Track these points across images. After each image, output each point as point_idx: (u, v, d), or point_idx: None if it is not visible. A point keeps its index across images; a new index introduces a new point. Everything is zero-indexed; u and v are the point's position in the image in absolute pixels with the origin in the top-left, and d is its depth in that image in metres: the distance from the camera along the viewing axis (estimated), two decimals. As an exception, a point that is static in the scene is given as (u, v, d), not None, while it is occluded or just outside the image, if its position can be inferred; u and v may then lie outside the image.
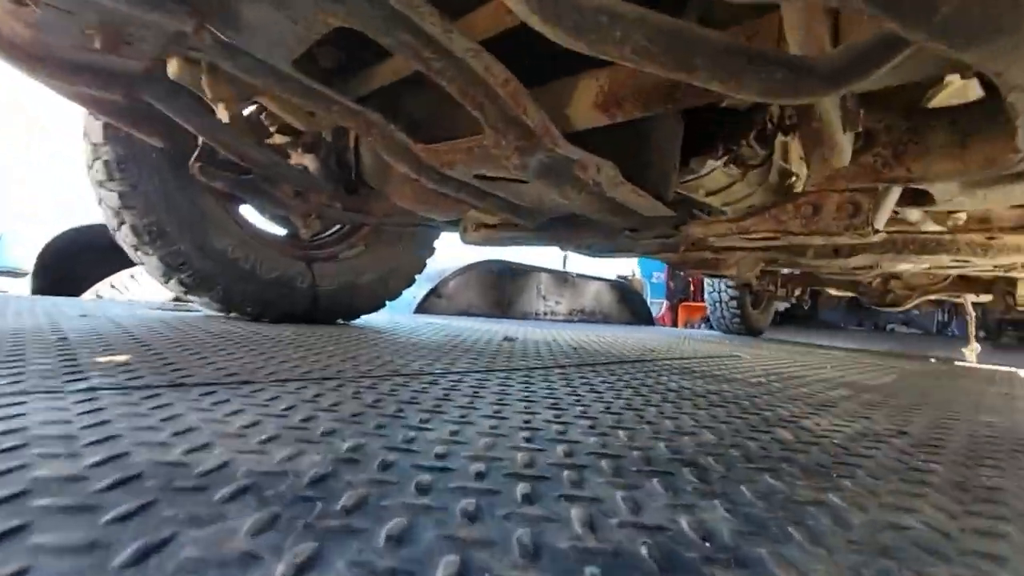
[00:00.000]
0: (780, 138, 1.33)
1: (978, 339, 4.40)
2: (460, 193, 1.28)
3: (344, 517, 0.40)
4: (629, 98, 0.97)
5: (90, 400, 0.66)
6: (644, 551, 0.38)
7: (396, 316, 3.02)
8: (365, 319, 2.43)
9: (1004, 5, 0.38)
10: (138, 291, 3.73)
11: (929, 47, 0.41)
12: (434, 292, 3.91)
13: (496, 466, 0.55)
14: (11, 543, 0.33)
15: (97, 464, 0.45)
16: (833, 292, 4.67)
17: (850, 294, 4.44)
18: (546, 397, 0.94)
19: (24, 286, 3.39)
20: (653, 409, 0.91)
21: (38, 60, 0.96)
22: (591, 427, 0.75)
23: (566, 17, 0.52)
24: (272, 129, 1.54)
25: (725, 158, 1.46)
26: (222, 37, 0.82)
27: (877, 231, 1.03)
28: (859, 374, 1.85)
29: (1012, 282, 3.77)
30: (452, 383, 1.00)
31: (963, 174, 0.84)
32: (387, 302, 2.43)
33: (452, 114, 1.10)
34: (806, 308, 5.37)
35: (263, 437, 0.57)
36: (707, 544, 0.41)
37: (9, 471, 0.42)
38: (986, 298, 3.96)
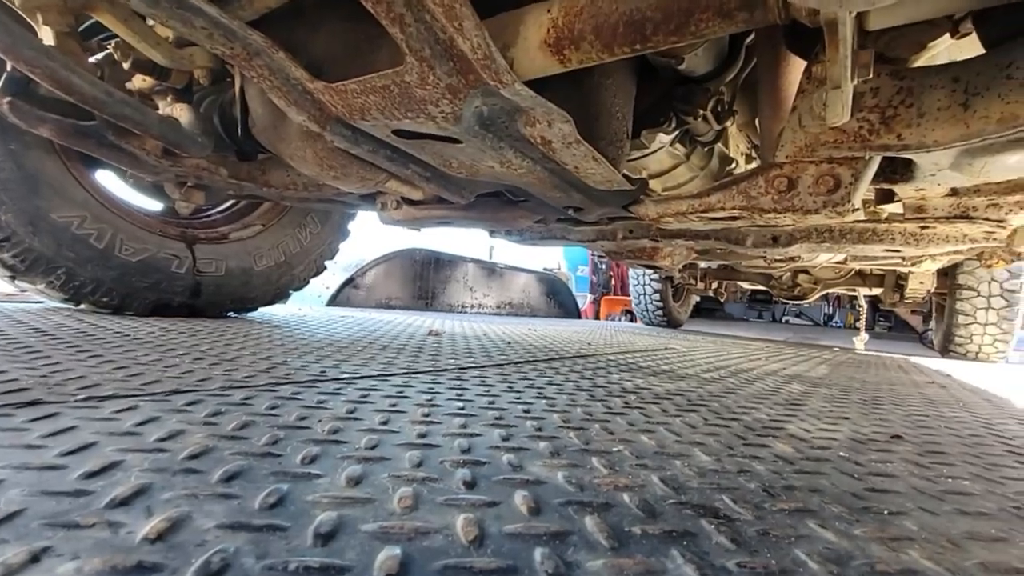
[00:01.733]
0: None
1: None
2: (376, 156, 1.03)
3: None
4: (588, 36, 0.77)
5: None
6: None
7: (304, 308, 2.67)
8: (263, 311, 2.09)
9: None
10: None
11: None
12: (350, 282, 3.56)
13: (425, 488, 0.33)
14: None
15: None
16: (745, 285, 4.89)
17: (759, 287, 4.64)
18: (486, 407, 0.72)
19: None
20: (621, 419, 0.73)
21: None
22: (552, 453, 0.55)
23: None
24: (126, 65, 1.18)
25: (676, 132, 1.32)
26: None
27: (856, 209, 0.92)
28: (794, 365, 1.81)
29: (904, 276, 4.09)
30: (362, 391, 0.76)
31: (967, 138, 0.73)
32: (291, 292, 2.09)
33: (366, 48, 0.85)
34: (721, 300, 5.57)
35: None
36: None
37: None
38: (877, 291, 4.30)
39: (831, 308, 11.81)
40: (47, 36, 1.02)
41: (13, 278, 1.47)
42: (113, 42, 1.18)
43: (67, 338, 1.03)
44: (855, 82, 0.69)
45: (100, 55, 1.20)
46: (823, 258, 2.29)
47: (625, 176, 1.07)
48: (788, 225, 1.57)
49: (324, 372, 0.90)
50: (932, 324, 5.01)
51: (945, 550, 0.39)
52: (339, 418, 0.60)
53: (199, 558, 0.29)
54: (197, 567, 0.28)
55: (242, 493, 0.38)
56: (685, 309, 5.57)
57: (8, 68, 1.07)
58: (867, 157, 0.86)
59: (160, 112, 1.28)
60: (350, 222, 2.26)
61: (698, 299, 6.21)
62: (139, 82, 1.30)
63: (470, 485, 0.43)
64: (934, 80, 0.77)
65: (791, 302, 5.02)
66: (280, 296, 2.04)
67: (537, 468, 0.49)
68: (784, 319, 12.33)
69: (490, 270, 4.66)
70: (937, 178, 0.94)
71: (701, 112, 1.19)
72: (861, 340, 4.63)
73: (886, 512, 0.46)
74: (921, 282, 3.98)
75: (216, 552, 0.29)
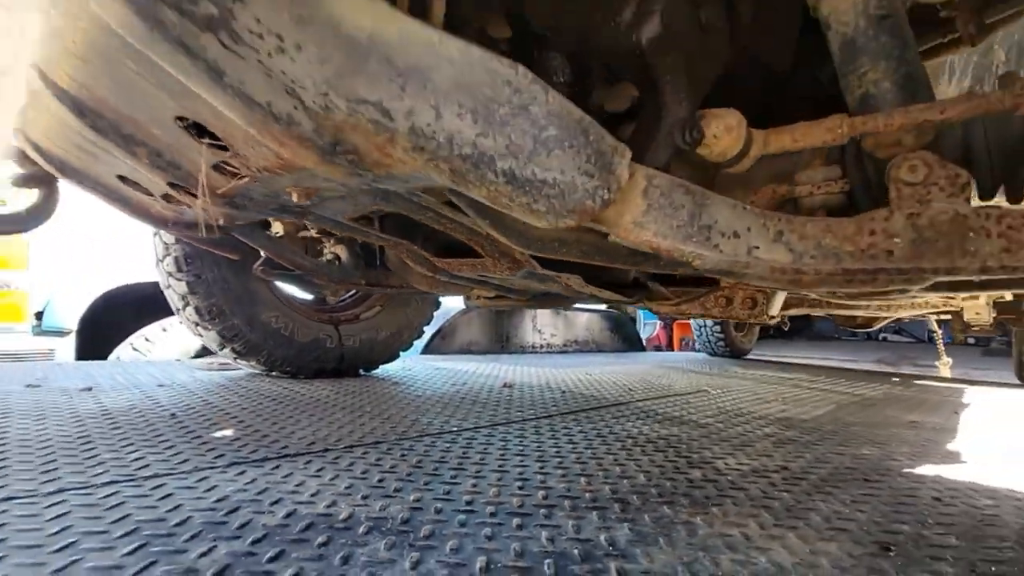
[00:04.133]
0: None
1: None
2: (466, 283, 1.67)
3: (424, 541, 0.77)
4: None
5: (233, 471, 1.04)
6: (576, 553, 0.76)
7: (407, 359, 3.39)
8: (383, 368, 2.81)
9: None
10: (167, 342, 4.08)
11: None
12: (439, 332, 4.29)
13: (501, 508, 0.92)
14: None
15: (290, 515, 0.83)
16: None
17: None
18: (535, 450, 1.31)
19: (69, 345, 3.75)
20: (610, 457, 1.29)
21: (164, 222, 1.35)
22: (563, 475, 1.13)
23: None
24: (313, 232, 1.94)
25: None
26: (312, 209, 1.22)
27: (772, 318, 1.42)
28: (798, 407, 2.23)
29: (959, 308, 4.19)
30: (467, 440, 1.38)
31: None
32: (401, 353, 2.81)
33: (459, 244, 1.49)
34: (785, 328, 5.71)
35: (363, 494, 0.95)
36: (611, 547, 0.78)
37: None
38: (945, 317, 4.38)
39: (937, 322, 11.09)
40: (278, 229, 1.78)
41: (236, 358, 2.27)
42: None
43: (292, 403, 1.75)
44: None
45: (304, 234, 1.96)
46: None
47: (630, 286, 1.62)
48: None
49: (442, 427, 1.53)
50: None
51: (718, 516, 0.93)
52: (458, 457, 1.22)
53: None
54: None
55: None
56: (749, 338, 5.76)
57: (262, 255, 1.84)
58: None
59: (328, 252, 2.04)
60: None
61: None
62: (313, 231, 2.06)
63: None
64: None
65: (854, 328, 5.11)
66: (394, 357, 2.77)
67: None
68: (881, 336, 11.73)
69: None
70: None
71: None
72: (944, 365, 4.67)
73: (711, 505, 0.99)
74: (977, 313, 4.07)
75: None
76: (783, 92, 1.04)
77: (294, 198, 0.86)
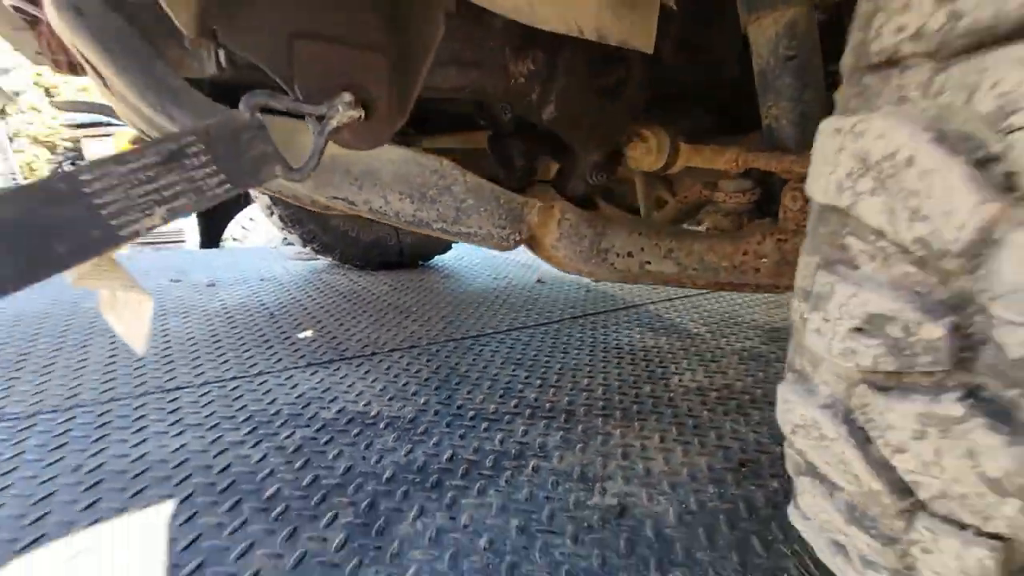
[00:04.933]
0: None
1: None
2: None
3: (419, 436, 1.21)
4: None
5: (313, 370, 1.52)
6: (513, 452, 1.16)
7: (459, 248, 3.79)
8: (437, 259, 3.24)
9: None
10: (259, 230, 4.75)
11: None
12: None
13: (480, 413, 1.34)
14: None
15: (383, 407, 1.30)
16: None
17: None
18: (529, 360, 1.70)
19: (193, 223, 4.55)
20: (587, 368, 1.65)
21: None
22: (539, 386, 1.51)
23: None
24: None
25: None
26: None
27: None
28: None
29: None
30: (481, 346, 1.78)
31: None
32: (451, 246, 3.20)
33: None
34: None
35: (390, 396, 1.40)
36: (539, 450, 1.17)
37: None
38: None
39: None
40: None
41: (316, 254, 2.79)
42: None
43: (350, 296, 2.23)
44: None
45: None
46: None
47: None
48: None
49: (467, 330, 1.94)
50: None
51: (632, 426, 1.29)
52: (516, 354, 1.63)
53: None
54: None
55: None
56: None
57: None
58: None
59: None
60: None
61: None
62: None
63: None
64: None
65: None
66: (448, 248, 3.17)
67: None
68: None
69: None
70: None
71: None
72: None
73: (637, 420, 1.34)
74: None
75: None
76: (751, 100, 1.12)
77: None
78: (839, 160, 0.39)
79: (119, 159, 0.46)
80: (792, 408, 0.47)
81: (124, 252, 3.09)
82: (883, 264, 0.36)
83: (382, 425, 1.26)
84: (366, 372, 1.55)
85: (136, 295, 0.58)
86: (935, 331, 0.34)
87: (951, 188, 0.31)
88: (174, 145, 0.50)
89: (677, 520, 0.96)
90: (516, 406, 1.39)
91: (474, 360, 1.69)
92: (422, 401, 1.39)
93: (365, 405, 1.35)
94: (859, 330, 0.38)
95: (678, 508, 0.99)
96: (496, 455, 1.15)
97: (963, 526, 0.36)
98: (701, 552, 0.88)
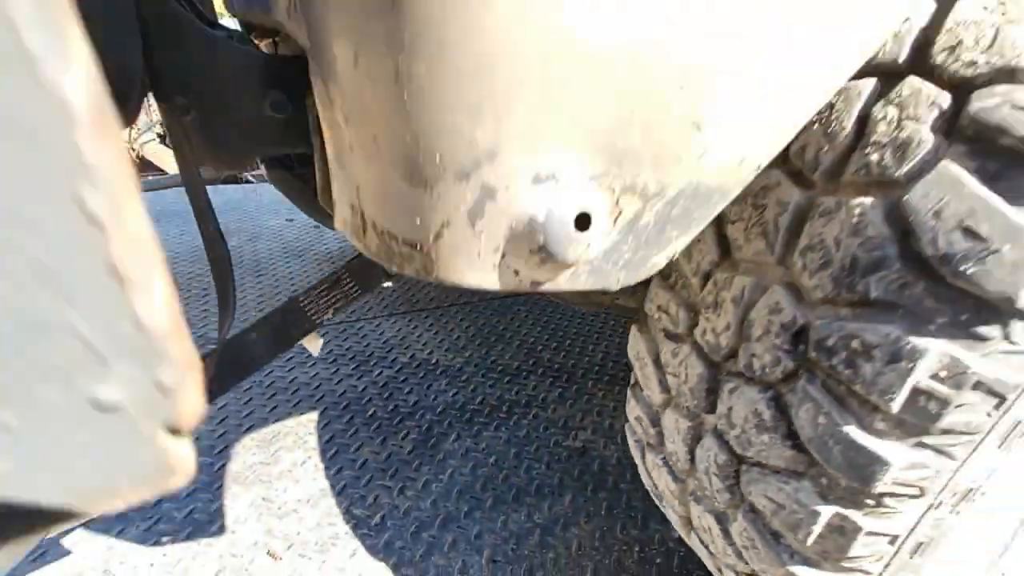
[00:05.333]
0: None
1: None
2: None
3: (460, 383, 1.79)
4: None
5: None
6: (522, 401, 1.72)
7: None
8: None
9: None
10: None
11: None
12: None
13: (505, 370, 1.90)
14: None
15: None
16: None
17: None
18: (556, 325, 2.21)
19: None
20: (594, 335, 2.14)
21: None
22: (555, 348, 2.03)
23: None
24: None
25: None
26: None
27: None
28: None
29: None
30: (526, 309, 2.31)
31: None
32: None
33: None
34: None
35: (446, 348, 1.99)
36: (542, 400, 1.73)
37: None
38: None
39: None
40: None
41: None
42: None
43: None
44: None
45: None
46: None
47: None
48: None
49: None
50: None
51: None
52: (505, 323, 2.17)
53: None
54: (473, 363, 1.91)
55: (480, 349, 1.99)
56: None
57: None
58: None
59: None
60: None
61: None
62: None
63: (524, 355, 1.98)
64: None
65: None
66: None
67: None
68: None
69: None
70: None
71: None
72: None
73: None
74: None
75: (475, 362, 1.92)
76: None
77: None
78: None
79: (313, 289, 0.99)
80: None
81: (251, 185, 3.77)
82: None
83: (438, 372, 1.85)
84: (430, 325, 2.14)
85: (315, 339, 1.13)
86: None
87: None
88: (335, 276, 1.01)
89: (616, 462, 1.50)
90: (533, 364, 1.93)
91: (511, 319, 2.22)
92: (467, 355, 1.96)
93: (428, 353, 1.95)
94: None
95: (619, 454, 1.53)
96: (510, 403, 1.72)
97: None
98: (624, 484, 1.43)
